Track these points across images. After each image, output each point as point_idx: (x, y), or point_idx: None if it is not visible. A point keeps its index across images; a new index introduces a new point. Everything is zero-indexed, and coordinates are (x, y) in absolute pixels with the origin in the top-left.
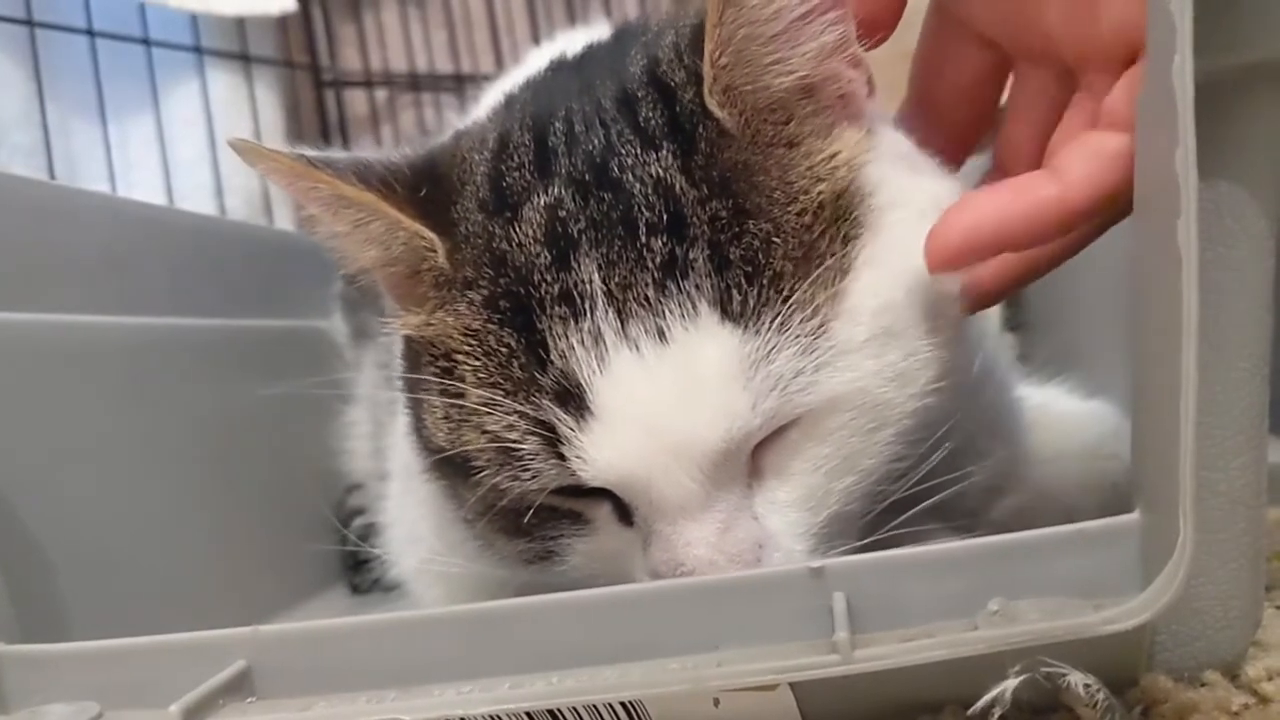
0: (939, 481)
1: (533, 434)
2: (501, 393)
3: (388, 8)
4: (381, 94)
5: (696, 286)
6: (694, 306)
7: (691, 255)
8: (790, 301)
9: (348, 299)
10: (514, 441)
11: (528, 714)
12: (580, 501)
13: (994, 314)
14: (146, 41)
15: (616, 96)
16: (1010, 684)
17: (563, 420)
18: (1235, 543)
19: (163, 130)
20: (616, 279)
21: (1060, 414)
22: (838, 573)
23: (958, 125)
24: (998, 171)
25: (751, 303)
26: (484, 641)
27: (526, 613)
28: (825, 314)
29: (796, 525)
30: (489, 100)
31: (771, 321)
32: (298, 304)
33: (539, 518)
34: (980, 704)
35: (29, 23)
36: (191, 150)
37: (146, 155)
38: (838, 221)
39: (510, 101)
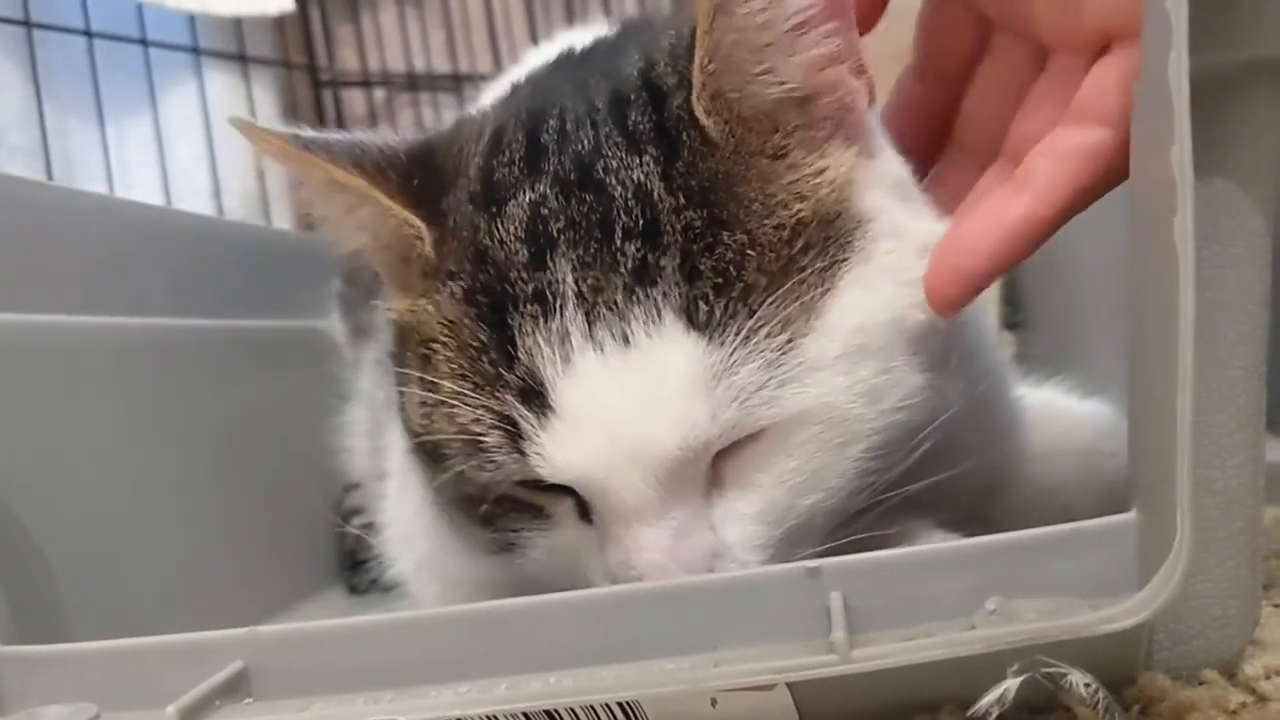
0: (921, 482)
1: (497, 428)
2: (470, 385)
3: (386, 8)
4: (379, 94)
5: (664, 294)
6: (659, 314)
7: (662, 263)
8: (758, 315)
9: (346, 299)
10: (479, 434)
11: (525, 714)
12: (543, 496)
13: (992, 313)
14: (144, 42)
15: (610, 97)
16: (1012, 684)
17: (525, 417)
18: (1233, 541)
19: (160, 131)
20: (589, 281)
21: (1058, 413)
22: (835, 572)
23: (961, 90)
24: (956, 144)
25: (718, 314)
26: (481, 642)
27: (524, 613)
28: (796, 330)
29: (755, 538)
30: (488, 97)
31: (737, 334)
32: (296, 304)
33: (504, 509)
34: (983, 703)
35: (26, 23)
36: (189, 151)
37: (144, 156)
38: (826, 243)
39: (513, 93)
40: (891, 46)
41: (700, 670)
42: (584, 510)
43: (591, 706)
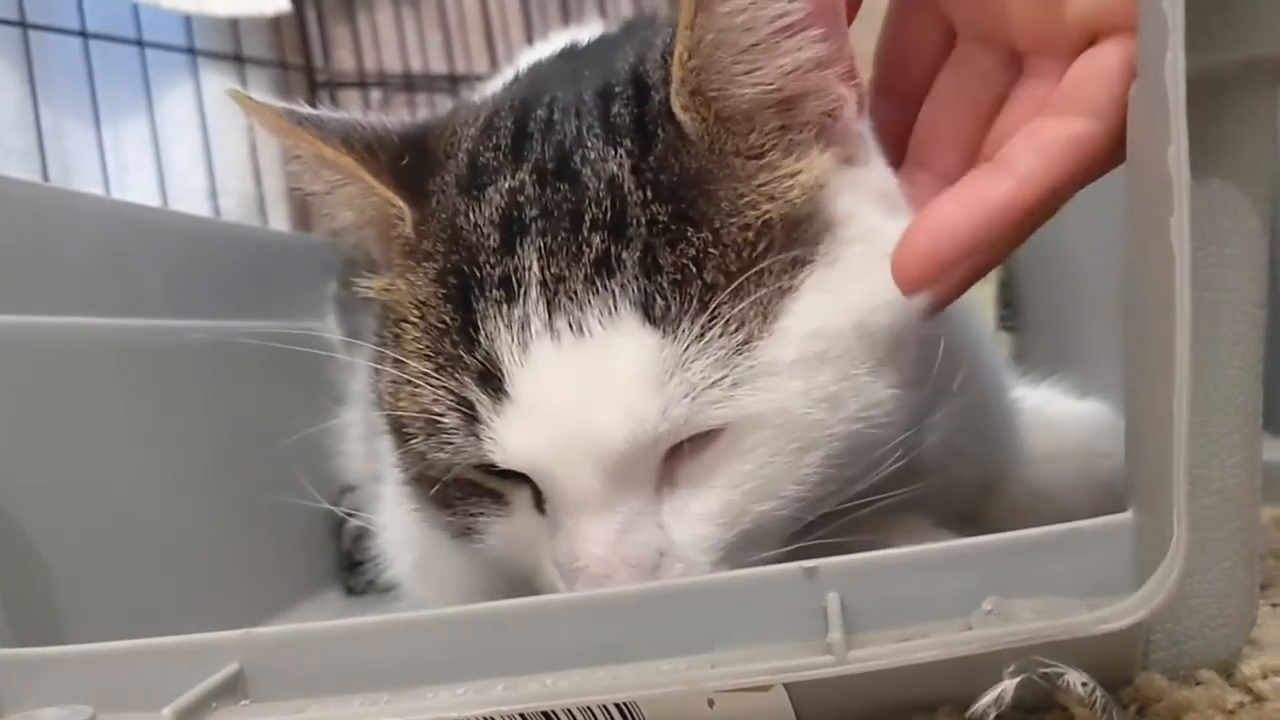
0: (914, 486)
1: (455, 409)
2: (433, 366)
3: (382, 8)
4: (376, 95)
5: (621, 286)
6: (615, 306)
7: (623, 256)
8: (715, 313)
9: (342, 301)
10: (438, 415)
11: (522, 715)
12: (501, 482)
13: (988, 314)
14: (140, 43)
15: (598, 89)
16: (1009, 685)
17: (481, 400)
18: (1230, 541)
19: (157, 132)
20: (553, 269)
21: (1055, 414)
22: (831, 573)
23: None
24: (912, 159)
25: (674, 310)
26: (478, 643)
27: (521, 614)
28: (752, 331)
29: (705, 539)
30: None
31: (692, 330)
32: (293, 305)
33: (464, 493)
34: (980, 704)
35: (22, 24)
36: (186, 152)
37: (141, 157)
38: (791, 245)
39: (513, 82)
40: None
41: (697, 671)
42: (540, 499)
43: (589, 708)
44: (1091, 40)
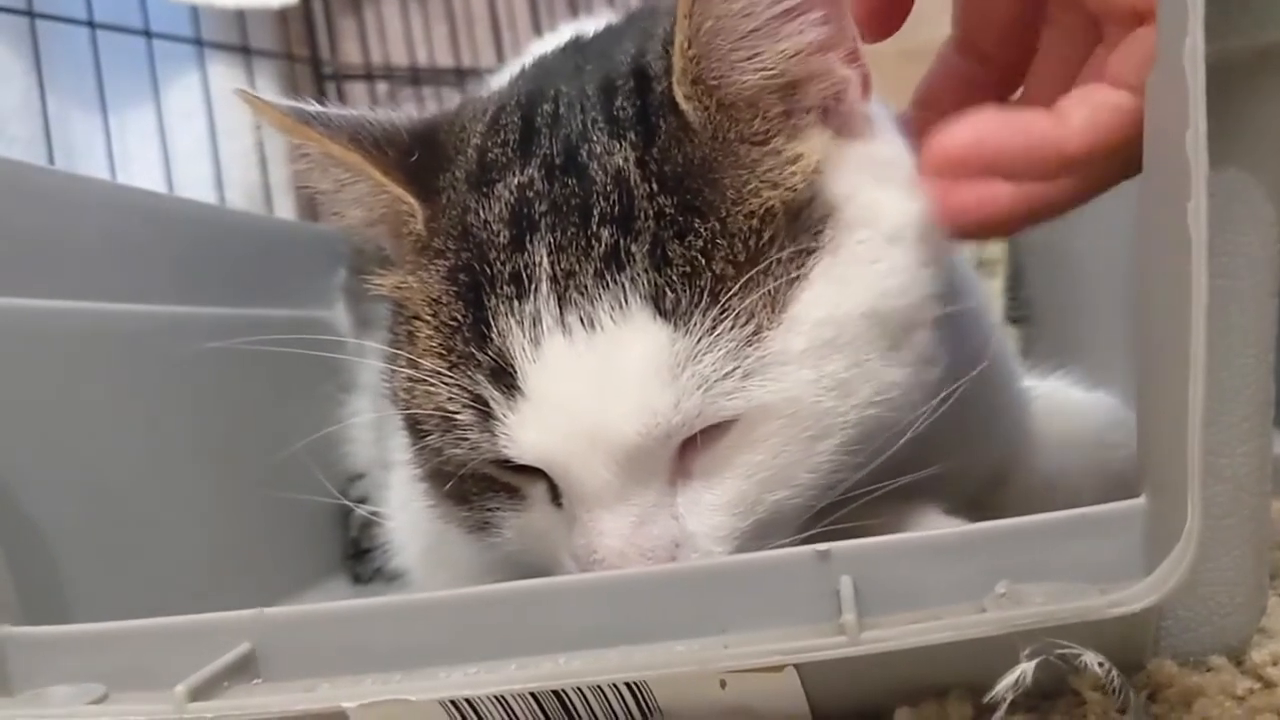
0: (923, 471)
1: (470, 407)
2: (446, 364)
3: (388, 1)
4: (382, 87)
5: (631, 280)
6: (626, 300)
7: (633, 249)
8: (725, 305)
9: (351, 290)
10: (453, 412)
11: (533, 695)
12: (517, 476)
13: (996, 306)
14: (147, 33)
15: (601, 82)
16: (1028, 666)
17: (494, 397)
18: (1240, 528)
19: (163, 122)
20: (563, 265)
21: (1064, 404)
22: (844, 556)
23: (1002, 65)
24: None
25: (684, 302)
26: (490, 623)
27: (533, 595)
28: (762, 321)
29: (719, 529)
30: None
31: (703, 323)
32: (300, 294)
33: (479, 487)
34: (1000, 687)
35: (29, 14)
36: (191, 142)
37: (146, 147)
38: (795, 232)
39: (519, 75)
40: (898, 44)
41: (709, 651)
42: (556, 493)
43: (600, 687)
44: (1143, 13)
